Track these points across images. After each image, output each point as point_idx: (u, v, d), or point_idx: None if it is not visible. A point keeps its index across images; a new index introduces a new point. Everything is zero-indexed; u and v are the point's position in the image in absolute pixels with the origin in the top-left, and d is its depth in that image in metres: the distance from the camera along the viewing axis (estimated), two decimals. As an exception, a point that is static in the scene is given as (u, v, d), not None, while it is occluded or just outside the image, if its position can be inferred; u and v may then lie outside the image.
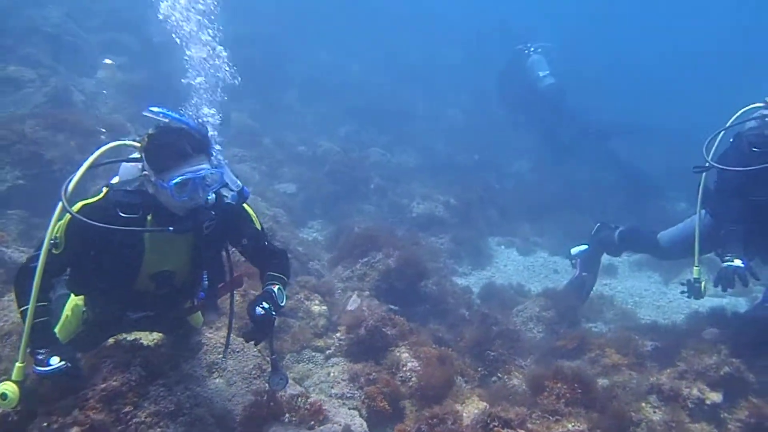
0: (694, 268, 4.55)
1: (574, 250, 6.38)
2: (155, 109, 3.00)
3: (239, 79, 4.16)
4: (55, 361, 2.77)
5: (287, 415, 3.63)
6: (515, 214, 10.31)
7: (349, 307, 5.45)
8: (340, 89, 16.99)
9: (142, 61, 11.98)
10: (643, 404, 3.98)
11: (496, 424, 3.50)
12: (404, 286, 5.94)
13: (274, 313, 3.10)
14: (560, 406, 3.85)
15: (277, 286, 3.26)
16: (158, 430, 3.06)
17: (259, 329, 3.12)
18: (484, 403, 3.98)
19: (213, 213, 3.01)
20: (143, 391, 3.17)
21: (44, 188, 6.58)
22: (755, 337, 4.25)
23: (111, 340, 3.50)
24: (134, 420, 3.01)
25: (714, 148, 4.37)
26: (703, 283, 4.51)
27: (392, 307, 5.75)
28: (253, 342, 3.23)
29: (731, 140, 4.37)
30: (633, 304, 7.11)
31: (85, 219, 2.77)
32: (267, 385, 3.63)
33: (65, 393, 2.96)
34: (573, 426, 3.51)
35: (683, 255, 5.12)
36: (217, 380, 3.83)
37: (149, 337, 3.94)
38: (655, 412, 3.87)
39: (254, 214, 3.39)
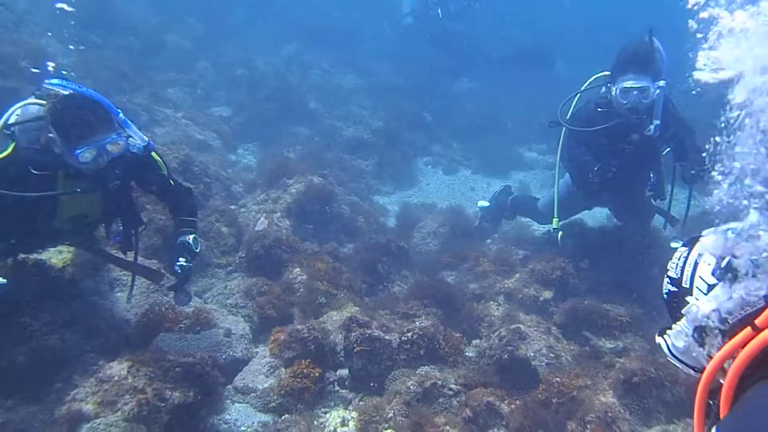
0: (554, 219, 5.04)
1: (480, 203, 6.84)
2: (54, 81, 3.26)
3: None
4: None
5: (179, 322, 4.21)
6: (446, 134, 10.72)
7: (257, 228, 5.96)
8: (289, 6, 16.61)
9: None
10: (491, 303, 4.67)
11: (355, 324, 4.15)
12: (314, 208, 6.44)
13: (190, 264, 3.71)
14: (419, 309, 4.52)
15: (192, 236, 3.80)
16: (54, 336, 3.61)
17: (180, 281, 3.70)
18: (357, 309, 4.60)
19: (118, 172, 3.36)
20: (41, 304, 3.69)
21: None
22: (589, 247, 4.96)
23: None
24: (30, 328, 3.55)
25: (570, 109, 4.94)
26: (559, 233, 5.00)
27: (307, 226, 6.32)
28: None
29: (585, 102, 4.91)
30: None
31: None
32: (173, 301, 4.20)
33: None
34: (420, 323, 4.17)
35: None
36: (118, 294, 4.35)
37: (59, 257, 4.38)
38: (498, 309, 4.56)
39: (160, 160, 3.80)
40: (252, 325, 4.56)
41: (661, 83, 4.45)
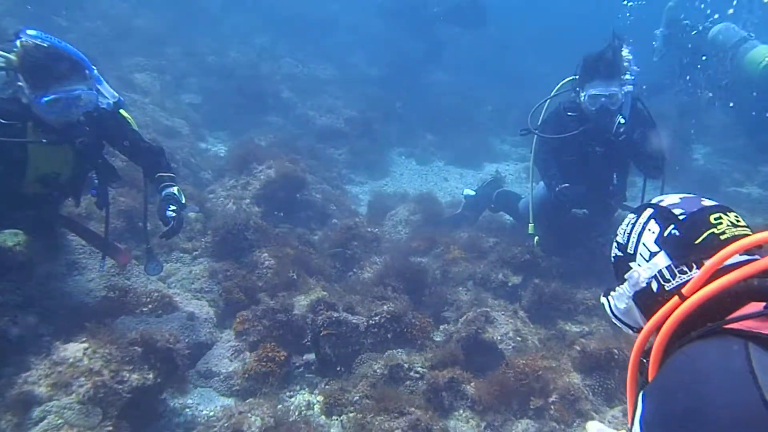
0: (529, 224, 5.03)
1: (465, 192, 6.77)
2: (32, 32, 3.18)
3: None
4: None
5: (140, 306, 4.09)
6: (420, 124, 10.71)
7: (224, 213, 5.85)
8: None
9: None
10: (460, 288, 4.66)
11: (322, 307, 4.10)
12: (285, 194, 6.34)
13: (181, 212, 3.68)
14: (388, 293, 4.48)
15: (175, 188, 3.78)
16: (6, 318, 3.47)
17: (172, 228, 3.66)
18: (325, 293, 4.54)
19: (87, 129, 3.30)
20: (-7, 285, 3.54)
21: None
22: (555, 233, 4.99)
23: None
24: (-20, 310, 3.40)
25: (541, 115, 4.93)
26: (536, 238, 4.97)
27: (277, 213, 6.23)
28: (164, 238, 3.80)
29: (555, 107, 4.90)
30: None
31: None
32: (143, 271, 4.20)
33: None
34: (388, 307, 4.13)
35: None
36: (77, 277, 4.21)
37: (14, 239, 4.21)
38: (466, 294, 4.55)
39: (131, 118, 3.78)
40: (217, 310, 4.46)
41: (628, 88, 4.48)
